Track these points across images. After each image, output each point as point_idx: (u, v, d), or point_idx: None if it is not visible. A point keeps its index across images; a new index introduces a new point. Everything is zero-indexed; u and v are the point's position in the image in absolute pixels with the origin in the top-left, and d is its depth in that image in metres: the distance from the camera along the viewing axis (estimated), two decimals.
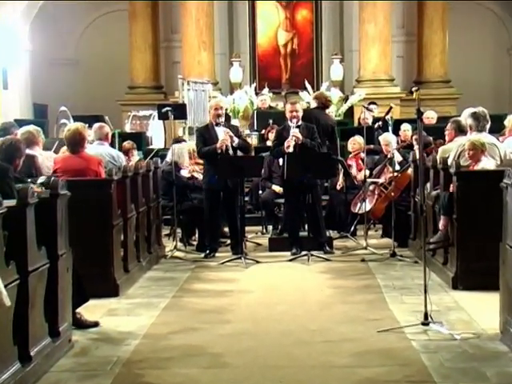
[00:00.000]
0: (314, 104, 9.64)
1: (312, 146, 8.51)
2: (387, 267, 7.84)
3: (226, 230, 9.60)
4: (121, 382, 4.49)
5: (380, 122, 11.13)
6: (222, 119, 8.66)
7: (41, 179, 5.71)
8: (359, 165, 9.82)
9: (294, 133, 8.46)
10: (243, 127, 13.65)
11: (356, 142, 10.00)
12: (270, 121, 12.01)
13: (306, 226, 8.72)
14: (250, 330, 5.51)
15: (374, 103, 12.19)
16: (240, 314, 6.05)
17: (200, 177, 9.44)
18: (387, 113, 10.97)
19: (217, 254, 8.67)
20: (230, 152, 8.47)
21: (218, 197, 8.66)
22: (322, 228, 8.70)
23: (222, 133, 8.57)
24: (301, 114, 8.64)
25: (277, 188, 9.54)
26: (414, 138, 9.45)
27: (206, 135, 8.67)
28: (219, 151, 8.47)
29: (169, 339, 5.32)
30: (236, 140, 8.55)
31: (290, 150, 8.38)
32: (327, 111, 9.93)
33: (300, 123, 8.63)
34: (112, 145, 8.80)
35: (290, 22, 16.72)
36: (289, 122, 8.60)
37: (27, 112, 15.01)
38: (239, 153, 8.68)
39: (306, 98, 14.47)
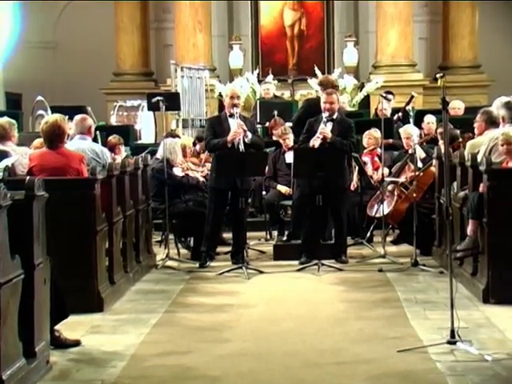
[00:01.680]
0: (320, 92, 9.59)
1: (341, 146, 8.51)
2: (408, 278, 7.84)
3: (225, 236, 9.61)
4: None
5: (400, 114, 11.12)
6: (238, 110, 8.63)
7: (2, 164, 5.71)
8: (375, 162, 9.82)
9: (322, 129, 8.48)
10: None
11: (372, 136, 10.00)
12: (275, 112, 12.00)
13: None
14: (251, 350, 5.51)
15: (390, 93, 12.18)
16: (241, 331, 6.05)
17: (195, 175, 9.44)
18: (408, 102, 10.96)
19: (215, 263, 8.67)
20: (241, 148, 8.40)
21: (224, 198, 8.65)
22: (343, 234, 8.74)
23: (235, 125, 8.53)
24: (337, 106, 8.67)
25: (283, 188, 9.55)
26: (438, 131, 9.43)
27: (217, 127, 8.62)
28: (229, 145, 8.45)
29: (160, 360, 5.31)
30: (249, 135, 8.52)
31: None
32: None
33: (336, 116, 8.65)
34: (95, 139, 8.80)
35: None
36: (322, 114, 8.62)
37: None
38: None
39: (316, 86, 14.47)
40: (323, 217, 8.64)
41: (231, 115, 8.58)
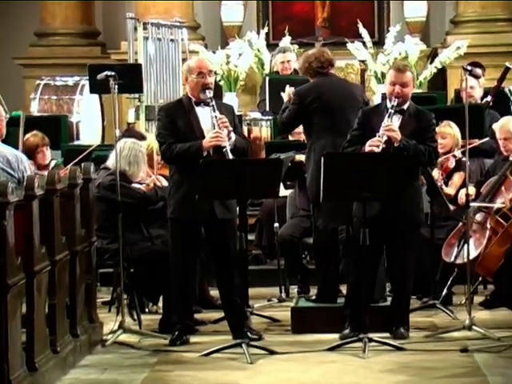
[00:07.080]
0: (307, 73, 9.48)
1: (416, 154, 8.45)
2: (509, 363, 7.85)
3: (213, 293, 9.63)
4: None
5: (489, 97, 11.08)
6: (211, 93, 8.68)
7: None
8: (454, 179, 9.84)
9: (388, 126, 8.49)
10: (247, 107, 13.67)
11: (446, 135, 9.95)
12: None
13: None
14: None
15: (479, 64, 12.14)
16: None
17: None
18: (501, 79, 10.92)
19: (197, 339, 8.69)
20: (229, 154, 8.38)
21: (195, 236, 8.68)
22: (407, 294, 8.85)
23: (208, 118, 8.58)
24: (411, 89, 8.67)
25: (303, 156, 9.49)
26: None
27: (178, 121, 8.67)
28: (205, 153, 8.48)
29: None
30: (233, 136, 8.56)
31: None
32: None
33: (408, 105, 8.66)
34: (6, 140, 8.83)
35: None
36: (387, 102, 8.64)
37: None
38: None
39: (361, 54, 14.53)
40: (375, 265, 8.67)
41: (199, 102, 8.64)
